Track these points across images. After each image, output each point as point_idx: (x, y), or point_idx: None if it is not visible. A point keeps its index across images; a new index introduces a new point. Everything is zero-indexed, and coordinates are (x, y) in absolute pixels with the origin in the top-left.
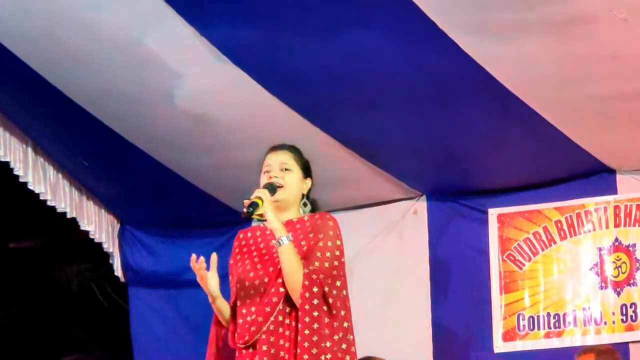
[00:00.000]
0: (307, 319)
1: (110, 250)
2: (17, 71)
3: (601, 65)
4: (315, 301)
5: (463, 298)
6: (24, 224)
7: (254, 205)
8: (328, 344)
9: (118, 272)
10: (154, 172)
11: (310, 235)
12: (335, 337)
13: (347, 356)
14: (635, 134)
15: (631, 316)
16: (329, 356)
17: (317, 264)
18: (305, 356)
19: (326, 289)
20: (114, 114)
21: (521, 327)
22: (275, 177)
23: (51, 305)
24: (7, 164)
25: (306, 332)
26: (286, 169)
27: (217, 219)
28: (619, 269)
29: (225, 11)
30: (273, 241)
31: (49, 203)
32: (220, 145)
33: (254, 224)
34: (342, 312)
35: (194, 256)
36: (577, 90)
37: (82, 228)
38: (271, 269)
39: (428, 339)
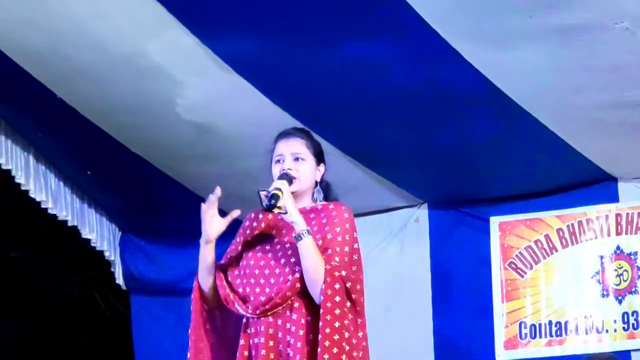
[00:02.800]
0: (328, 317)
1: (112, 258)
2: (20, 82)
3: (603, 73)
4: (338, 298)
5: (465, 306)
6: (26, 232)
7: (275, 198)
8: (354, 341)
9: (119, 280)
10: (156, 180)
11: (326, 229)
12: (360, 334)
13: (361, 352)
14: (637, 142)
15: (633, 324)
16: (355, 354)
17: (337, 259)
18: (326, 355)
19: (348, 284)
20: (116, 123)
21: (523, 335)
22: (289, 169)
23: (53, 314)
24: (8, 171)
25: (327, 330)
26: (299, 159)
27: None
28: (621, 277)
29: (228, 21)
30: (293, 234)
31: (50, 211)
32: (223, 154)
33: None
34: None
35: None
36: (579, 99)
37: (84, 236)
38: (283, 260)
39: (429, 347)
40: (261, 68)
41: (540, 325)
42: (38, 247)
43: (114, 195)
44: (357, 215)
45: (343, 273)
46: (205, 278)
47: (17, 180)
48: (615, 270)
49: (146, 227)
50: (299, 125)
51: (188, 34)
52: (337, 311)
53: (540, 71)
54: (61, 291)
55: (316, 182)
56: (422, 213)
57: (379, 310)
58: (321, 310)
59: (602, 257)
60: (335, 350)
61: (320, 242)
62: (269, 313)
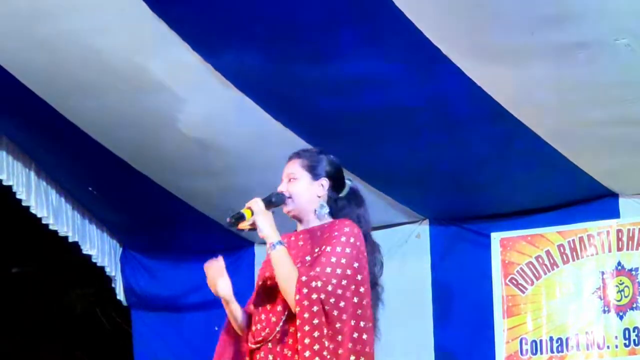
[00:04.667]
0: (306, 328)
1: (113, 274)
2: (21, 97)
3: (604, 90)
4: (315, 308)
5: (466, 322)
6: (27, 248)
7: (237, 217)
8: (328, 356)
9: (120, 295)
10: (156, 196)
11: (324, 247)
12: (332, 347)
13: None
14: (638, 158)
15: (634, 340)
16: None
17: (318, 269)
18: None
19: (322, 296)
20: (117, 140)
21: (524, 352)
22: (281, 190)
23: (54, 329)
24: (10, 187)
25: (306, 340)
26: (292, 179)
27: (220, 243)
28: (622, 292)
29: (229, 37)
30: (267, 248)
31: (51, 227)
32: (224, 170)
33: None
34: (352, 322)
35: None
36: (580, 115)
37: (85, 252)
38: (274, 295)
39: None
40: (263, 84)
41: (541, 341)
42: (39, 263)
43: (115, 211)
44: None
45: (319, 283)
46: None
47: (18, 196)
48: (617, 286)
49: (147, 243)
50: (300, 141)
51: (189, 50)
52: (316, 321)
53: (541, 88)
54: (62, 307)
55: (319, 198)
56: (423, 229)
57: (381, 325)
58: (298, 322)
59: (603, 273)
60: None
61: (309, 257)
62: (267, 341)
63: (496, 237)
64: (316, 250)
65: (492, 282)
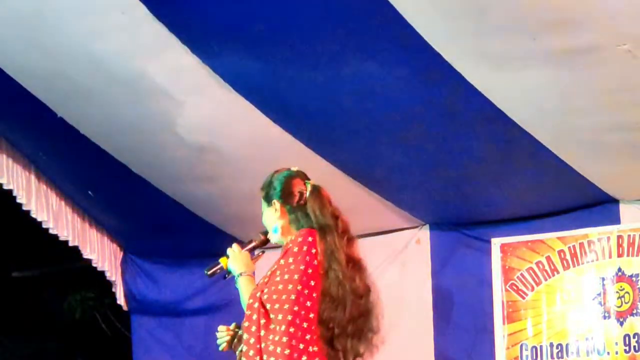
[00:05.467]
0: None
1: (113, 278)
2: (22, 101)
3: (605, 95)
4: (255, 316)
5: (466, 328)
6: (27, 252)
7: (212, 267)
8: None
9: (121, 300)
10: (156, 201)
11: (282, 262)
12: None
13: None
14: (639, 164)
15: (634, 346)
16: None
17: (274, 296)
18: None
19: (263, 321)
20: (117, 144)
21: (524, 357)
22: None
23: (54, 334)
24: (10, 192)
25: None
26: (262, 214)
27: (220, 249)
28: (622, 298)
29: (229, 41)
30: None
31: (51, 231)
32: (224, 175)
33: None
34: (282, 327)
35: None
36: (581, 121)
37: (85, 256)
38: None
39: None
40: (262, 88)
41: (541, 347)
42: (39, 267)
43: (115, 215)
44: (358, 236)
45: (265, 297)
46: None
47: (18, 201)
48: (617, 292)
49: (147, 248)
50: (299, 145)
51: (189, 53)
52: (253, 328)
53: (543, 93)
54: (62, 311)
55: (285, 218)
56: (423, 234)
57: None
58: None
59: (603, 279)
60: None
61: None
62: None
63: (496, 242)
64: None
65: (492, 288)
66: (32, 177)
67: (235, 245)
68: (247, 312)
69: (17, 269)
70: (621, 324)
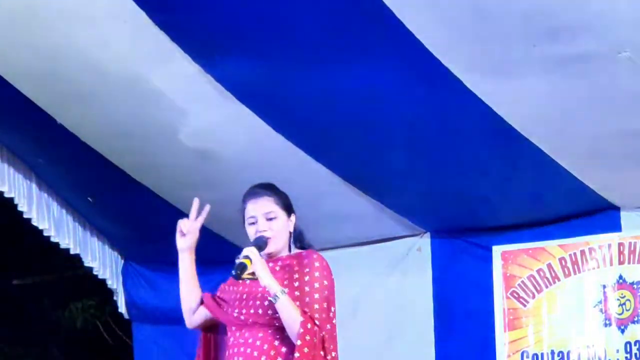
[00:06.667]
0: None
1: (114, 286)
2: (21, 108)
3: (606, 103)
4: (315, 339)
5: (467, 335)
6: (28, 260)
7: (241, 267)
8: None
9: (122, 308)
10: (157, 208)
11: (296, 276)
12: None
13: None
14: None
15: (635, 354)
16: None
17: (315, 306)
18: None
19: (323, 333)
20: (117, 150)
21: None
22: (264, 230)
23: (56, 342)
24: (11, 200)
25: None
26: (272, 218)
27: (221, 256)
28: (623, 306)
29: (230, 49)
30: (270, 298)
31: (52, 239)
32: (225, 182)
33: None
34: (333, 353)
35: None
36: (582, 128)
37: (86, 264)
38: (252, 311)
39: None
40: (263, 95)
41: (542, 354)
42: (40, 275)
43: (116, 222)
44: (359, 244)
45: (317, 322)
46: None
47: (19, 209)
48: (618, 299)
49: (148, 255)
50: (300, 153)
51: (190, 61)
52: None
53: (543, 100)
54: (63, 319)
55: (290, 233)
56: (424, 242)
57: (382, 339)
58: (297, 354)
59: (604, 287)
60: None
61: (296, 292)
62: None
63: (497, 250)
64: (295, 284)
65: (493, 295)
66: (33, 185)
67: (254, 249)
68: (307, 338)
69: (18, 277)
70: (622, 331)
